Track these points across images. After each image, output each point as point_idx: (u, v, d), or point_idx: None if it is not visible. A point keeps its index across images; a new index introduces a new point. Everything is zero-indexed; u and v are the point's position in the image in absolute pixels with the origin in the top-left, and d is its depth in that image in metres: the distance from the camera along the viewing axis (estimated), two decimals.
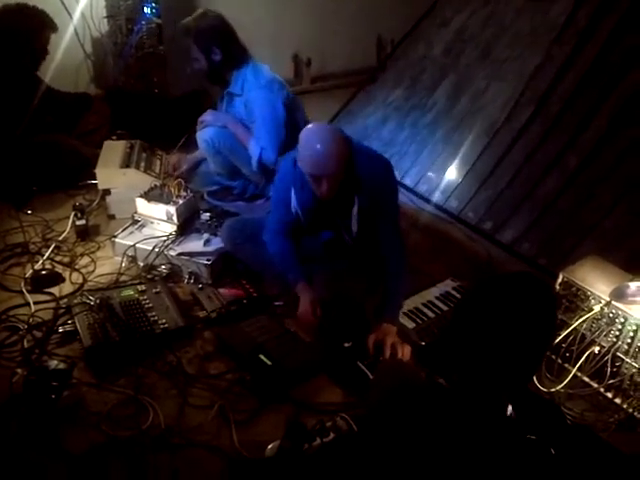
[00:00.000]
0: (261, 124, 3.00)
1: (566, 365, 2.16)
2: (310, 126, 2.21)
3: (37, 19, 3.24)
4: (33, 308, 2.42)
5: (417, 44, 4.18)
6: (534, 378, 2.10)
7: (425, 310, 2.44)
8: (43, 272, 2.63)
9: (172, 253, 2.68)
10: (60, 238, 2.88)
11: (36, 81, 3.37)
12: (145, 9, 3.65)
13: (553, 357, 2.18)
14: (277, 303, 2.53)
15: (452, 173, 3.43)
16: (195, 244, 2.73)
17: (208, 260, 2.63)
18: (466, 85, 3.64)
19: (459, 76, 3.71)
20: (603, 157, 2.94)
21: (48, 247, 2.79)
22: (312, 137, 2.14)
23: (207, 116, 3.17)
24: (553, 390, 2.11)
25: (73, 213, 2.89)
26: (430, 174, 3.50)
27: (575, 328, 2.12)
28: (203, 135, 3.15)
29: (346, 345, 2.21)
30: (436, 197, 3.39)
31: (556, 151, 3.09)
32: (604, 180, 2.89)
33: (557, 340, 2.12)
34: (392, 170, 2.38)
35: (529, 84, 3.32)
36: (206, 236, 2.76)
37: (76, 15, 3.80)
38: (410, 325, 2.35)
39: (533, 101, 3.27)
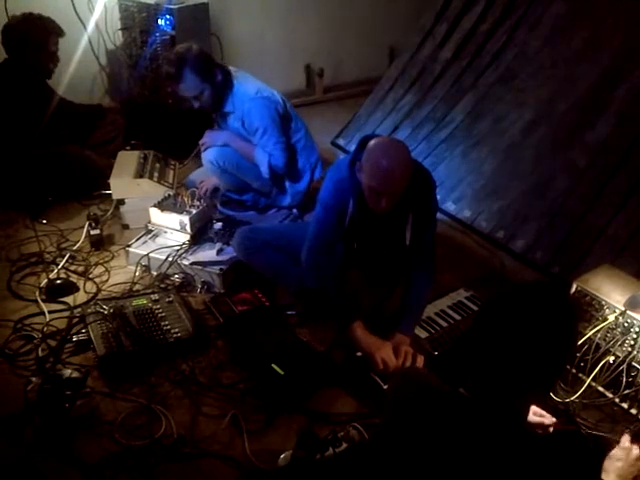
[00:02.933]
0: (263, 132, 3.01)
1: (580, 375, 2.14)
2: (379, 140, 2.11)
3: (42, 26, 3.26)
4: (48, 317, 2.44)
5: (424, 39, 4.13)
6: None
7: (438, 320, 2.43)
8: (58, 281, 2.66)
9: (185, 262, 2.70)
10: (75, 248, 2.91)
11: (49, 92, 3.42)
12: (159, 21, 3.69)
13: (567, 367, 2.16)
14: (290, 312, 2.53)
15: (466, 185, 3.43)
16: (208, 253, 2.75)
17: (221, 269, 2.64)
18: (485, 106, 3.63)
19: (478, 96, 3.70)
20: (610, 156, 2.93)
21: (63, 257, 2.82)
22: (381, 151, 2.05)
23: (206, 138, 3.20)
24: (568, 400, 2.09)
25: (87, 223, 2.92)
26: (444, 185, 3.49)
27: (589, 337, 2.10)
28: (207, 156, 3.18)
29: (359, 355, 2.20)
30: (449, 207, 3.39)
31: (565, 154, 3.09)
32: (612, 179, 2.89)
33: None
34: (435, 185, 2.35)
35: (547, 109, 3.31)
36: (219, 245, 2.78)
37: (90, 27, 3.86)
38: (423, 335, 2.33)
39: (550, 124, 3.27)
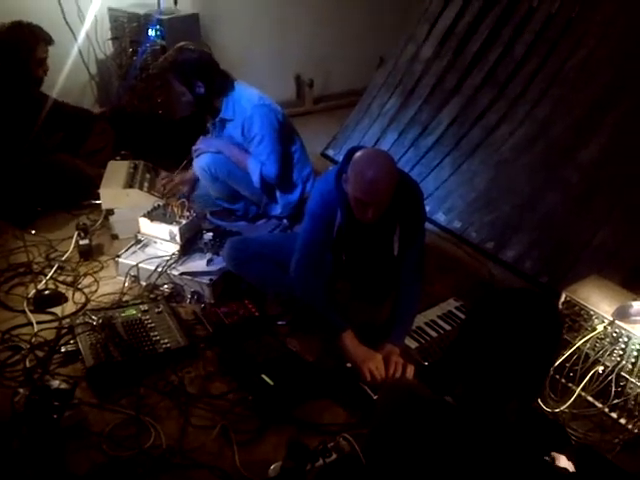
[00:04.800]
0: (260, 140, 3.02)
1: (570, 385, 2.15)
2: (364, 151, 2.12)
3: (30, 34, 3.23)
4: (36, 328, 2.42)
5: (406, 43, 4.15)
6: (539, 398, 2.09)
7: (428, 330, 2.44)
8: (46, 292, 2.64)
9: (175, 273, 2.69)
10: (63, 258, 2.89)
11: (41, 98, 3.40)
12: (150, 31, 3.70)
13: (557, 377, 2.17)
14: (280, 323, 2.52)
15: (457, 197, 3.45)
16: (198, 264, 2.74)
17: (210, 280, 2.63)
18: (473, 112, 3.64)
19: (464, 100, 3.71)
20: (600, 172, 2.96)
21: (51, 267, 2.80)
22: (366, 162, 2.06)
23: (200, 144, 3.20)
24: (557, 410, 2.09)
25: (76, 233, 2.90)
26: (434, 197, 3.51)
27: (578, 347, 2.11)
28: (199, 163, 3.18)
29: (348, 365, 2.20)
30: (439, 218, 3.41)
31: (557, 169, 3.11)
32: (599, 190, 2.92)
33: (561, 360, 2.11)
34: (423, 196, 2.37)
35: (540, 131, 3.31)
36: (209, 256, 2.77)
37: (81, 36, 3.85)
38: (413, 345, 2.34)
39: (542, 139, 3.28)
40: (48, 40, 3.31)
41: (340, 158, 2.31)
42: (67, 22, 3.76)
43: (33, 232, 3.10)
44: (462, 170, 3.53)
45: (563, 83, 3.28)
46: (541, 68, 3.40)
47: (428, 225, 3.30)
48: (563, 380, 2.17)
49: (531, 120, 3.36)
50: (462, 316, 2.53)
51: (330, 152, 4.26)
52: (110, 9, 3.89)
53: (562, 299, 2.20)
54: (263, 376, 2.14)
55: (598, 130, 3.04)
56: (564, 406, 2.09)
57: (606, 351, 2.07)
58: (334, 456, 1.81)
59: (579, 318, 2.16)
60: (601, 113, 3.05)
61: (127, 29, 3.83)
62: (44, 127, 3.33)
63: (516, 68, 3.51)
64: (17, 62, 3.23)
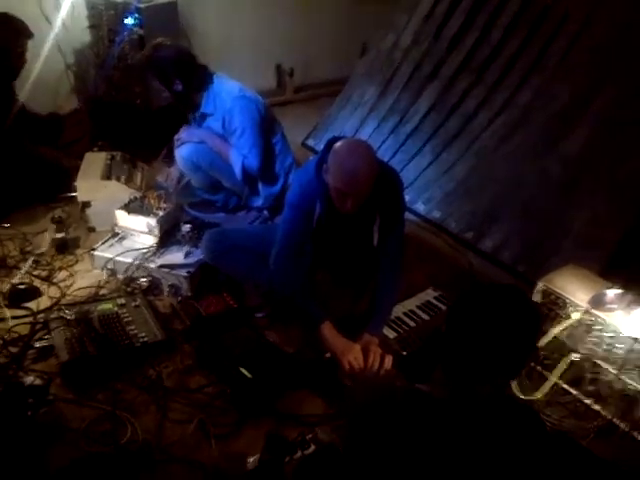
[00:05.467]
0: (241, 133, 2.99)
1: (545, 372, 2.17)
2: (344, 141, 2.12)
3: (10, 26, 3.19)
4: (10, 323, 2.39)
5: (386, 32, 4.14)
6: (515, 386, 2.11)
7: (406, 320, 2.44)
8: (21, 286, 2.60)
9: (152, 265, 2.66)
10: (38, 251, 2.85)
11: (12, 95, 3.34)
12: (127, 20, 3.65)
13: (532, 364, 2.18)
14: (258, 315, 2.52)
15: (436, 187, 3.45)
16: (176, 256, 2.72)
17: (188, 272, 2.61)
18: (450, 98, 3.63)
19: (441, 86, 3.71)
20: (582, 164, 2.96)
21: (26, 261, 2.77)
22: (346, 153, 2.06)
23: (182, 133, 3.17)
24: (533, 397, 2.11)
25: (52, 226, 2.86)
26: (414, 186, 3.51)
27: (554, 336, 2.12)
28: (181, 152, 3.15)
29: (327, 356, 2.20)
30: (419, 208, 3.41)
31: (539, 160, 3.11)
32: (580, 181, 2.93)
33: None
34: (403, 186, 2.38)
35: (521, 119, 3.31)
36: (187, 248, 2.75)
37: (57, 24, 3.78)
38: (391, 335, 2.34)
39: (522, 130, 3.27)
40: (28, 34, 3.27)
41: (321, 148, 2.30)
42: (42, 9, 3.69)
43: (7, 225, 3.05)
44: (442, 159, 3.53)
45: (543, 70, 3.28)
46: (520, 54, 3.39)
47: (408, 215, 3.30)
48: (539, 368, 2.18)
49: (511, 108, 3.36)
50: (440, 306, 2.53)
51: (311, 142, 4.24)
52: None
53: (538, 288, 2.21)
54: (241, 369, 2.13)
55: (580, 120, 3.04)
56: (540, 394, 2.11)
57: (581, 339, 2.09)
58: (312, 448, 1.82)
59: (555, 307, 2.17)
60: (584, 103, 3.05)
61: (104, 17, 3.78)
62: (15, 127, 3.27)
63: (493, 53, 3.51)
64: (4, 54, 3.18)
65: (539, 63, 3.31)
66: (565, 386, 2.14)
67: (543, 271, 2.41)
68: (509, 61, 3.43)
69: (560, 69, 3.22)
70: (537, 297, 2.21)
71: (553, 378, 2.12)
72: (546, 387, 2.11)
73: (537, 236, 2.95)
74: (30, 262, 2.76)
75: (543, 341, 2.13)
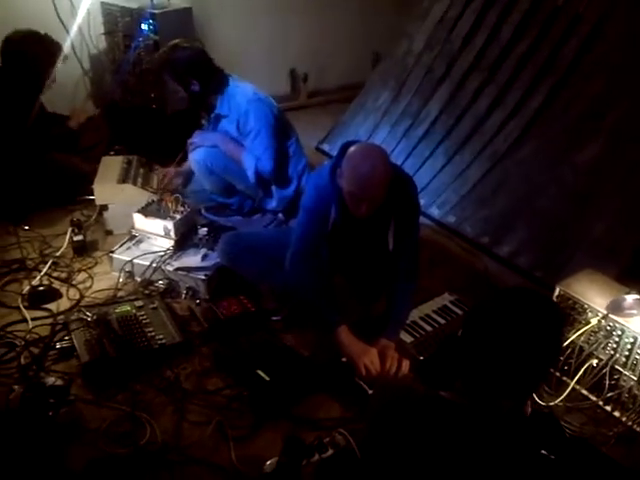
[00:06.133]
0: (255, 135, 3.01)
1: (564, 378, 2.16)
2: (358, 145, 2.13)
3: (53, 47, 3.28)
4: (30, 324, 2.41)
5: (400, 40, 4.16)
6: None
7: (423, 324, 2.44)
8: (40, 288, 2.63)
9: (169, 268, 2.68)
10: (57, 254, 2.87)
11: (37, 104, 3.39)
12: (142, 26, 3.67)
13: (551, 370, 2.17)
14: (275, 318, 2.52)
15: (451, 191, 3.44)
16: (193, 259, 2.74)
17: (205, 275, 2.63)
18: (462, 99, 3.63)
19: (453, 87, 3.70)
20: (599, 174, 2.95)
21: (45, 263, 2.79)
22: (360, 157, 2.08)
23: (195, 137, 3.20)
24: (552, 404, 2.10)
25: (70, 229, 2.89)
26: (428, 189, 3.51)
27: (573, 341, 2.12)
28: (195, 156, 3.17)
29: (344, 360, 2.20)
30: (434, 212, 3.41)
31: (553, 169, 3.10)
32: (597, 189, 2.91)
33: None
34: (417, 190, 2.38)
35: (533, 123, 3.29)
36: (204, 251, 2.77)
37: (73, 31, 3.82)
38: (408, 339, 2.35)
39: (537, 137, 3.26)
40: (63, 57, 3.36)
41: (335, 152, 2.32)
42: (59, 16, 3.72)
43: (27, 228, 3.08)
44: (455, 161, 3.53)
45: (555, 72, 3.26)
46: (531, 54, 3.38)
47: (422, 219, 3.30)
48: (558, 374, 2.18)
49: (523, 110, 3.34)
50: (457, 310, 2.53)
51: (325, 146, 4.25)
52: (103, 3, 3.87)
53: (556, 293, 2.20)
54: (259, 371, 2.14)
55: (595, 131, 3.02)
56: (558, 399, 2.10)
57: (600, 344, 2.08)
58: (330, 451, 1.81)
59: (573, 312, 2.17)
60: (598, 114, 3.04)
61: (120, 23, 3.81)
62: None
63: (504, 52, 3.50)
64: (30, 72, 3.23)
65: (551, 65, 3.30)
66: (584, 392, 2.13)
67: (561, 277, 2.41)
68: (520, 61, 3.42)
69: (574, 76, 3.21)
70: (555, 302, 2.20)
71: (572, 384, 2.11)
72: (565, 393, 2.10)
73: (553, 243, 2.94)
74: (49, 264, 2.78)
75: (562, 346, 2.13)
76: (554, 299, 2.20)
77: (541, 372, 1.35)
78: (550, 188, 3.08)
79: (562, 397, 2.10)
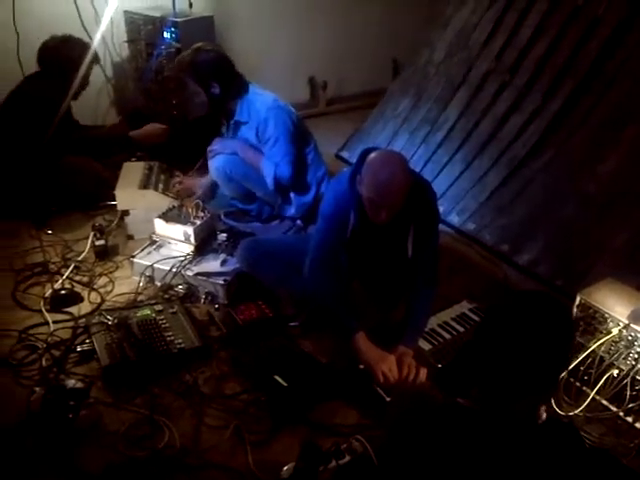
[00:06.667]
0: (274, 142, 3.03)
1: (584, 388, 2.14)
2: (378, 152, 2.14)
3: (87, 50, 3.34)
4: (52, 327, 2.45)
5: (421, 49, 4.17)
6: (552, 401, 2.08)
7: (441, 332, 2.43)
8: (62, 292, 2.66)
9: (189, 273, 2.71)
10: (79, 258, 2.91)
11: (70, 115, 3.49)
12: (165, 34, 3.73)
13: (571, 380, 2.15)
14: (293, 324, 2.53)
15: (470, 198, 3.43)
16: (212, 264, 2.76)
17: (225, 280, 2.64)
18: (480, 103, 3.63)
19: (471, 91, 3.70)
20: (620, 184, 2.92)
21: (67, 267, 2.83)
22: (380, 164, 2.09)
23: (215, 145, 3.23)
24: (571, 413, 2.08)
25: (92, 233, 2.93)
26: (447, 196, 3.50)
27: (593, 350, 2.10)
28: (214, 163, 3.20)
29: (361, 367, 2.20)
30: (453, 219, 3.40)
31: (574, 178, 3.08)
32: (618, 199, 2.88)
33: (575, 363, 2.10)
34: (436, 197, 2.39)
35: (554, 128, 3.27)
36: (223, 256, 2.79)
37: (97, 39, 3.87)
38: (426, 347, 2.34)
39: (556, 144, 3.24)
40: (98, 60, 3.47)
41: (354, 159, 2.33)
42: (83, 24, 3.79)
43: (50, 232, 3.13)
44: (474, 167, 3.51)
45: (574, 75, 3.24)
46: (550, 55, 3.37)
47: (442, 226, 3.30)
48: (577, 383, 2.15)
49: (543, 114, 3.32)
50: (476, 318, 2.52)
51: (344, 154, 4.26)
52: (126, 12, 3.93)
53: (577, 302, 2.18)
54: (276, 377, 2.14)
55: (617, 140, 2.99)
56: (578, 409, 2.08)
57: (621, 354, 2.06)
58: (347, 458, 1.81)
59: (594, 321, 2.14)
60: (619, 124, 3.01)
61: (142, 32, 3.87)
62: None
63: (522, 53, 3.50)
64: (67, 77, 3.30)
65: (570, 67, 3.28)
66: (605, 402, 2.10)
67: (581, 286, 2.38)
68: (538, 63, 3.41)
69: (595, 81, 3.18)
70: (575, 311, 2.18)
71: (592, 394, 2.08)
72: (585, 403, 2.08)
73: (574, 252, 2.91)
74: (71, 268, 2.82)
75: (581, 356, 2.11)
76: (574, 308, 2.18)
77: (552, 374, 1.34)
78: (570, 197, 3.05)
79: (582, 407, 2.08)
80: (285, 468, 1.82)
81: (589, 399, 2.08)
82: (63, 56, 3.29)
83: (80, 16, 3.75)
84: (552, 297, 1.35)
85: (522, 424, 1.31)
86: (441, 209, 3.42)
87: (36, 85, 3.30)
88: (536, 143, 3.31)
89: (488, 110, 3.58)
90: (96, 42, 3.86)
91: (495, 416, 1.31)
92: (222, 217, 3.25)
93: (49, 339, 2.38)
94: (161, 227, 2.87)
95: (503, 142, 3.44)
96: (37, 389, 2.03)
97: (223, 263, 2.76)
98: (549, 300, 1.34)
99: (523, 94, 3.45)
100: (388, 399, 2.04)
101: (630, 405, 2.04)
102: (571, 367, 2.11)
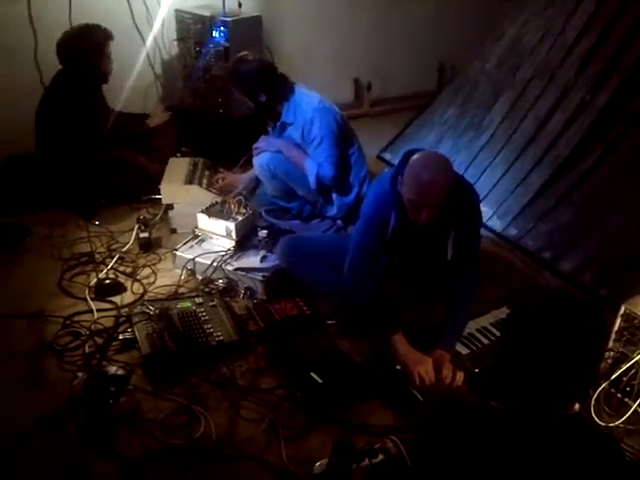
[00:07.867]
0: (319, 142, 3.06)
1: (626, 400, 2.08)
2: (421, 153, 2.14)
3: (96, 32, 3.35)
4: (96, 315, 2.52)
5: (473, 60, 4.13)
6: (592, 412, 2.04)
7: (479, 336, 2.40)
8: (106, 281, 2.73)
9: (229, 268, 2.74)
10: (124, 249, 2.98)
11: (104, 101, 3.55)
12: (214, 33, 3.78)
13: (613, 391, 2.10)
14: (330, 322, 2.54)
15: (512, 200, 3.37)
16: (252, 260, 2.79)
17: (264, 276, 2.67)
18: (523, 104, 3.57)
19: (515, 93, 3.64)
20: None
21: (112, 257, 2.90)
22: (422, 164, 2.08)
23: (261, 142, 3.27)
24: (612, 425, 2.03)
25: (137, 226, 3.00)
26: (489, 199, 3.45)
27: (637, 362, 2.04)
28: (259, 160, 3.24)
29: (398, 368, 2.19)
30: (495, 224, 3.35)
31: (622, 191, 3.00)
32: None
33: (617, 373, 2.05)
34: (479, 200, 2.37)
35: (597, 127, 3.19)
36: (263, 253, 2.82)
37: (149, 38, 3.96)
38: (464, 351, 2.31)
39: (601, 146, 3.16)
40: (111, 36, 3.42)
41: (396, 161, 2.32)
42: (136, 24, 3.89)
43: (97, 223, 3.21)
44: (516, 167, 3.44)
45: (621, 70, 3.15)
46: (595, 51, 3.28)
47: (483, 231, 3.26)
48: (619, 395, 2.10)
49: (588, 111, 3.24)
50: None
51: (387, 155, 4.24)
52: (177, 10, 4.00)
53: (621, 311, 2.13)
54: (312, 374, 2.16)
55: None
56: (619, 421, 2.03)
57: None
58: (380, 457, 1.81)
59: (638, 332, 2.09)
60: None
61: (192, 30, 3.92)
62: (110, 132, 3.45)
63: (567, 52, 3.42)
64: (86, 61, 3.34)
65: (616, 63, 3.19)
66: None
67: (626, 296, 2.32)
68: (584, 58, 3.33)
69: None
70: (619, 321, 2.13)
71: (634, 406, 2.03)
72: (627, 415, 2.03)
73: (619, 262, 2.83)
74: (116, 259, 2.89)
75: (624, 367, 2.06)
76: (618, 318, 2.13)
77: (581, 371, 1.29)
78: (617, 204, 2.98)
79: (623, 419, 2.03)
80: (318, 464, 1.83)
81: (631, 411, 2.03)
82: (74, 48, 3.30)
83: (132, 14, 3.85)
84: (577, 297, 1.31)
85: (556, 429, 1.29)
86: (483, 212, 3.38)
87: (64, 83, 3.36)
88: (580, 142, 3.23)
89: (531, 108, 3.51)
90: (148, 42, 3.96)
91: (523, 418, 1.30)
92: (263, 214, 3.28)
93: (93, 327, 2.45)
94: (204, 222, 2.91)
95: (546, 140, 3.36)
96: (80, 374, 2.10)
97: (263, 259, 2.79)
98: (579, 303, 1.29)
99: (567, 90, 3.37)
100: (422, 400, 2.04)
101: None
102: (613, 377, 2.06)
